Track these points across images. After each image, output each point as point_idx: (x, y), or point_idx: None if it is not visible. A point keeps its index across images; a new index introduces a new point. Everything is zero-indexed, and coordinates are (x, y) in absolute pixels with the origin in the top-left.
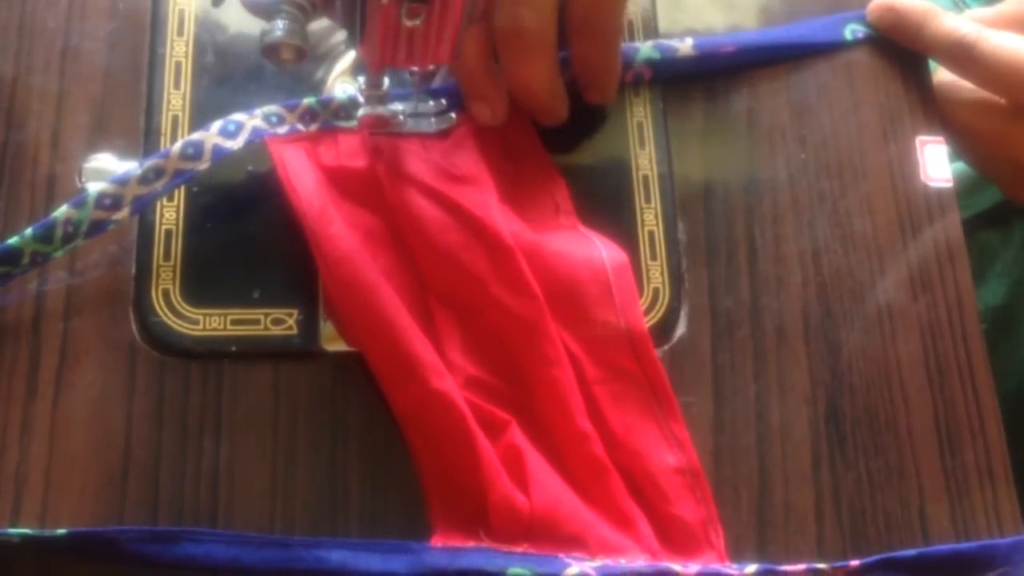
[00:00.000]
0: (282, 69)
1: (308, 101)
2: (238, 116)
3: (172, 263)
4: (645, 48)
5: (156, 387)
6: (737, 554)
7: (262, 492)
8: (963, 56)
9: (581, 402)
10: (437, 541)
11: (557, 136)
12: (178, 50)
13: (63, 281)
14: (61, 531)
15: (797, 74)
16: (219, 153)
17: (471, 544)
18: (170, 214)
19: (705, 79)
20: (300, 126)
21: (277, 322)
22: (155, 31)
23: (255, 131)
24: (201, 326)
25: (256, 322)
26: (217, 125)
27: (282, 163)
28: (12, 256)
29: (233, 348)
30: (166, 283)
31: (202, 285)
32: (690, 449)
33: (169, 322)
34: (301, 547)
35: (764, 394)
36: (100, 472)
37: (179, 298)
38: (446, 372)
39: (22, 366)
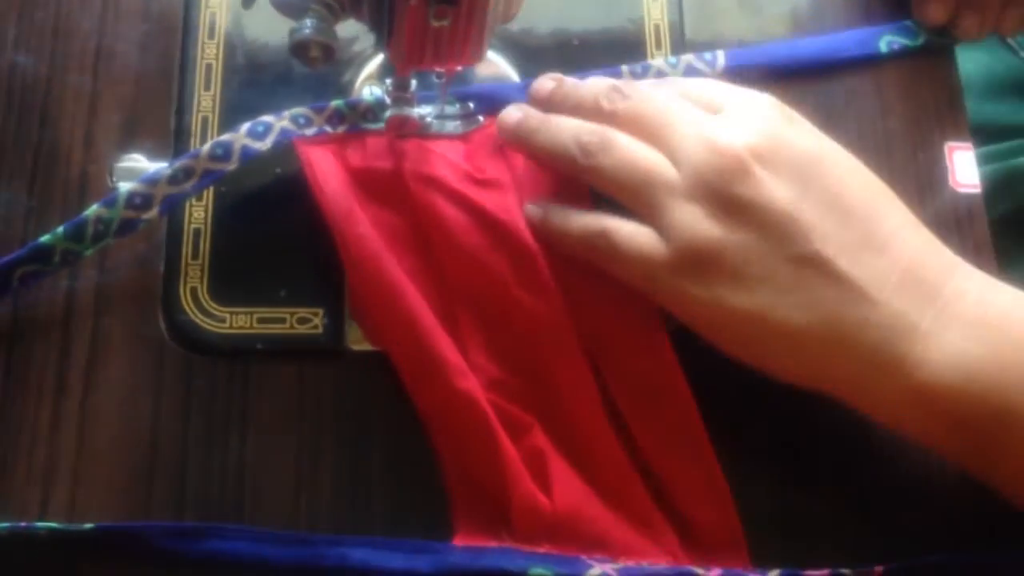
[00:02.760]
0: (310, 68)
1: (336, 103)
2: (267, 118)
3: (200, 262)
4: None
5: (183, 384)
6: (759, 560)
7: (287, 490)
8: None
9: (602, 405)
10: (459, 541)
11: None
12: (209, 52)
13: (93, 279)
14: (88, 525)
15: (824, 80)
16: (247, 154)
17: (493, 544)
18: (199, 213)
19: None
20: (328, 128)
21: (303, 321)
22: (187, 33)
23: (283, 132)
24: (228, 324)
25: (282, 321)
26: (246, 127)
27: (310, 164)
28: (44, 254)
29: (259, 346)
30: (194, 281)
31: (230, 284)
32: (711, 455)
33: (197, 320)
34: (324, 545)
35: None
36: (127, 468)
37: (207, 296)
38: (470, 373)
39: (52, 362)
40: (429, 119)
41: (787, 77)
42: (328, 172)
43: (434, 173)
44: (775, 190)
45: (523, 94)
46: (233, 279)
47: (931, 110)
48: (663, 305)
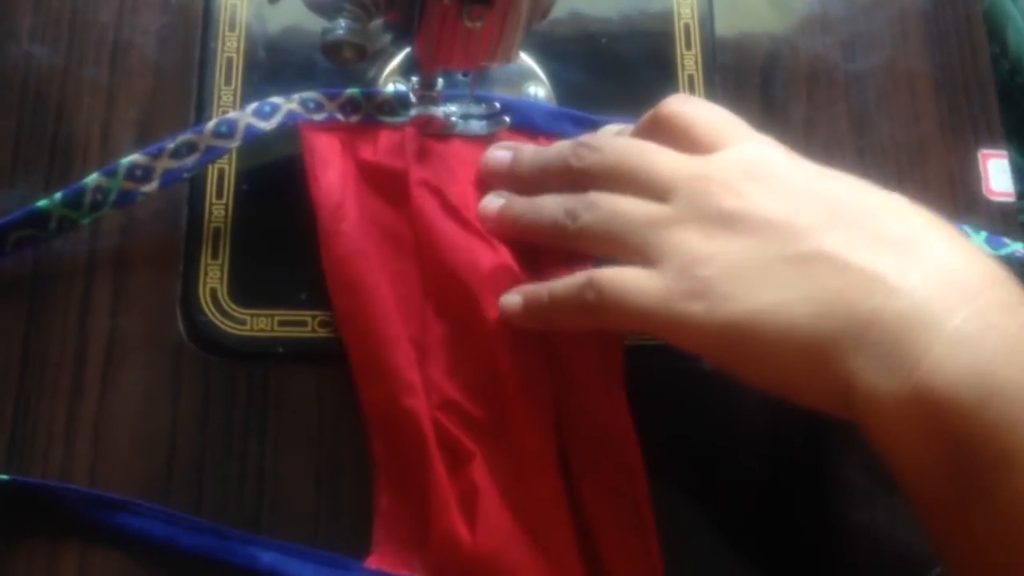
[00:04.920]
0: (342, 68)
1: (351, 91)
2: (275, 99)
3: (220, 262)
4: None
5: (201, 387)
6: None
7: (305, 495)
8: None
9: (554, 449)
10: (373, 562)
11: None
12: (229, 46)
13: (110, 277)
14: (4, 476)
15: (856, 84)
16: (251, 133)
17: (404, 573)
18: (219, 212)
19: (762, 88)
20: (339, 115)
21: (324, 324)
22: (207, 26)
23: (290, 115)
24: (248, 327)
25: (303, 324)
26: (253, 106)
27: (310, 151)
28: (40, 219)
29: (280, 349)
30: (214, 282)
31: (250, 285)
32: (652, 530)
33: (216, 322)
34: (237, 541)
35: None
36: (144, 471)
37: (227, 298)
38: (420, 392)
39: (68, 363)
40: (454, 118)
41: (819, 80)
42: (327, 161)
43: (436, 179)
44: (769, 201)
45: (545, 115)
46: (254, 280)
47: (965, 116)
48: (665, 338)
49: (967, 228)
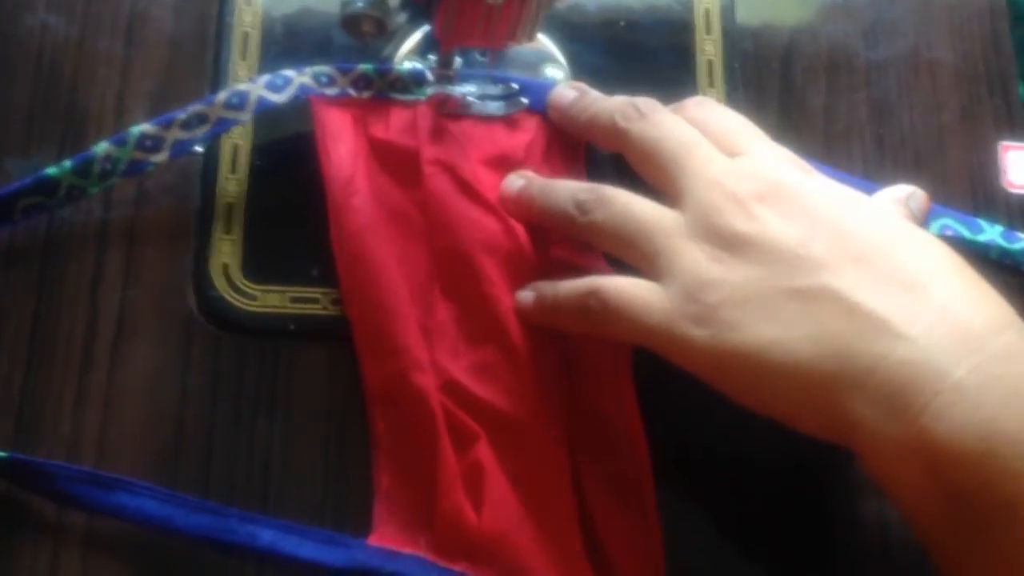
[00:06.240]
0: (360, 42)
1: (364, 67)
2: (287, 72)
3: (233, 237)
4: None
5: (212, 362)
6: None
7: (314, 474)
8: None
9: (562, 433)
10: (375, 539)
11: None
12: (246, 20)
13: (122, 250)
14: (2, 453)
15: (877, 72)
16: (263, 105)
17: (408, 550)
18: (233, 188)
19: (782, 75)
20: (351, 91)
21: (337, 302)
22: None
23: (302, 88)
24: (259, 302)
25: (315, 301)
26: (265, 78)
27: (321, 125)
28: (49, 187)
29: (291, 327)
30: (226, 257)
31: (262, 261)
32: (654, 516)
33: (227, 297)
34: (236, 519)
35: None
36: (153, 447)
37: (239, 273)
38: (428, 369)
39: (78, 335)
40: (471, 98)
41: (839, 66)
42: (339, 136)
43: (449, 157)
44: (780, 228)
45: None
46: (266, 256)
47: (987, 107)
48: (666, 357)
49: (983, 221)
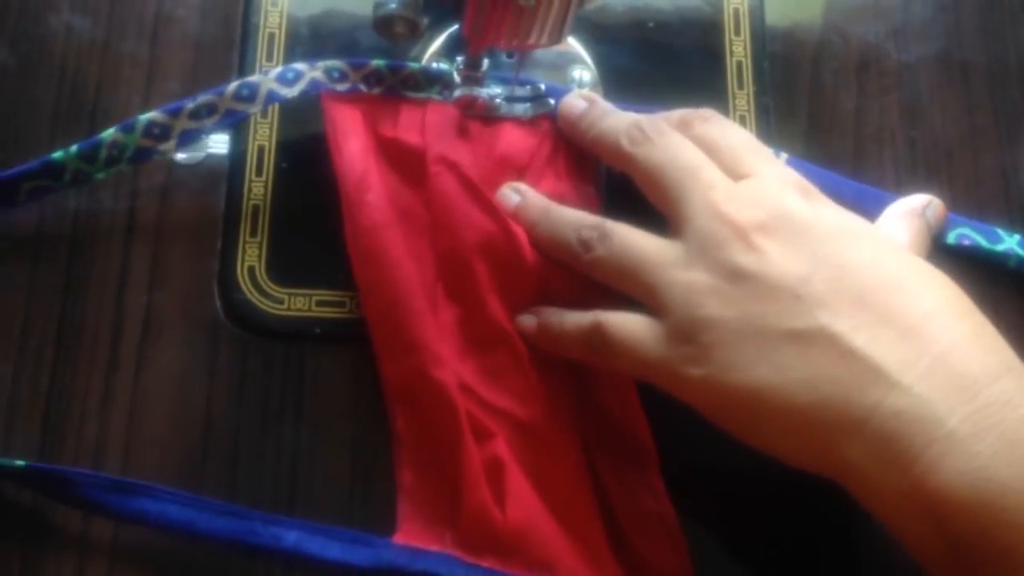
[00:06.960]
0: (393, 43)
1: (377, 63)
2: (299, 65)
3: (259, 240)
4: None
5: (238, 366)
6: None
7: (341, 478)
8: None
9: (575, 428)
10: (400, 538)
11: None
12: (272, 20)
13: (148, 252)
14: (20, 463)
15: (908, 73)
16: (272, 98)
17: (435, 547)
18: (258, 190)
19: (812, 76)
20: (362, 86)
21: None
22: (249, 1)
23: (313, 83)
24: (286, 306)
25: (341, 304)
26: (276, 71)
27: (332, 121)
28: (55, 170)
29: (317, 330)
30: (252, 260)
31: (288, 264)
32: (665, 500)
33: (254, 300)
34: (259, 521)
35: None
36: (179, 451)
37: (264, 276)
38: (448, 364)
39: (104, 338)
40: (498, 100)
41: (870, 67)
42: (350, 132)
43: (456, 158)
44: (780, 263)
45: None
46: (292, 259)
47: (1020, 109)
48: (663, 389)
49: (1001, 231)
